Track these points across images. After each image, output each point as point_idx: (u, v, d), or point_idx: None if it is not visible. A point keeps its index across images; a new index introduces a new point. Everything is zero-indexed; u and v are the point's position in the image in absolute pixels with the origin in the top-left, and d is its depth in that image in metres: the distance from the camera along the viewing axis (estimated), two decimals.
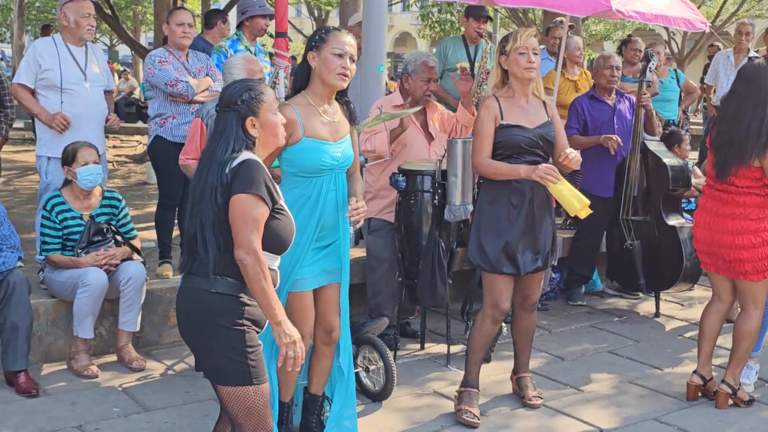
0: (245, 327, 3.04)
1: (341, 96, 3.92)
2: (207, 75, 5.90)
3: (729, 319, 5.11)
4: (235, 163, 3.02)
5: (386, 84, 8.88)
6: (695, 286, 6.78)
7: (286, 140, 3.53)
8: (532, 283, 4.59)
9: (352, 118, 3.97)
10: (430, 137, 5.71)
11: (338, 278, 3.95)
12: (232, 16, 9.10)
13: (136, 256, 5.25)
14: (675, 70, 8.85)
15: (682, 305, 6.76)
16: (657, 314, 6.46)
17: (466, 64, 7.06)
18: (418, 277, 5.08)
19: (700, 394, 4.83)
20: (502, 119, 4.36)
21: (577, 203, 4.16)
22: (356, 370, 4.71)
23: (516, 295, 4.58)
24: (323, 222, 3.81)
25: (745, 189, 4.52)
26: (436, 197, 5.07)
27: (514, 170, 4.30)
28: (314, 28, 23.12)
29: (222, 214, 3.02)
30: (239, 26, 6.63)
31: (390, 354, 4.68)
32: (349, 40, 3.76)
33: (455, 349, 5.46)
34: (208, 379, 3.14)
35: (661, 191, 6.28)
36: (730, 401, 4.73)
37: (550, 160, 4.46)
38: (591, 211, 4.22)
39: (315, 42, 3.79)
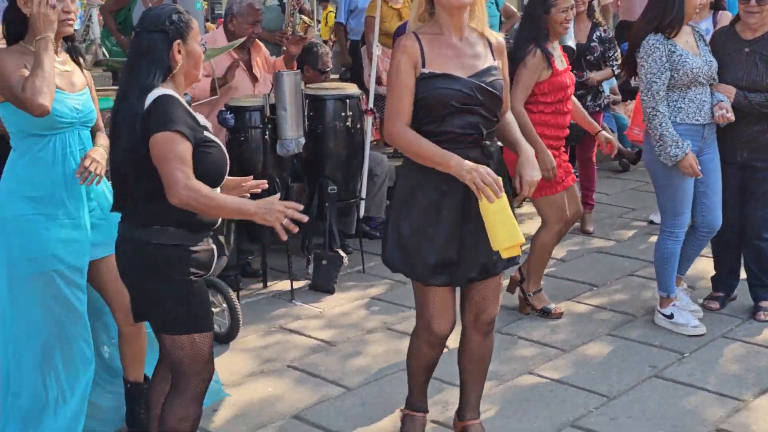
0: (191, 276, 2.87)
1: (67, 42, 3.46)
2: None
3: None
4: (149, 99, 2.76)
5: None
6: (522, 203, 7.06)
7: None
8: (485, 294, 3.31)
9: (79, 63, 3.50)
10: (254, 78, 5.62)
11: (112, 249, 3.29)
12: None
13: None
14: None
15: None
16: None
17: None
18: None
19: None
20: (423, 66, 3.08)
21: (506, 239, 2.96)
22: None
23: (466, 310, 3.38)
24: (74, 187, 3.36)
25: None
26: (267, 132, 5.00)
27: (443, 159, 3.02)
28: None
29: (141, 148, 2.75)
30: None
31: (233, 294, 4.61)
32: None
33: (298, 284, 5.46)
34: (153, 328, 2.99)
35: None
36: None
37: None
38: (518, 253, 3.08)
39: None
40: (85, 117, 3.41)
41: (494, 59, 3.20)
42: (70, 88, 3.37)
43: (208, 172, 2.85)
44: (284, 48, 5.80)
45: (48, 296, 3.38)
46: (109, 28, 6.81)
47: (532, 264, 4.89)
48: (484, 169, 2.97)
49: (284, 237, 2.74)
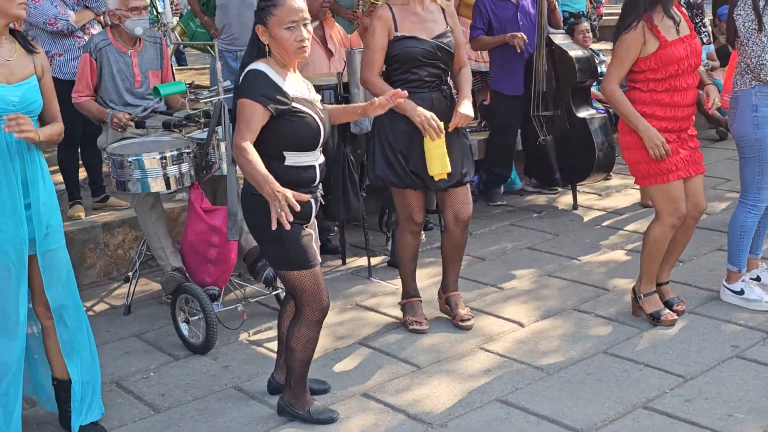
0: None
1: (12, 32, 3.39)
2: (86, 6, 5.63)
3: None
4: (245, 71, 3.34)
5: None
6: (612, 174, 6.89)
7: None
8: (457, 198, 4.36)
9: (30, 49, 3.39)
10: (329, 53, 5.62)
11: (34, 249, 3.40)
12: None
13: None
14: None
15: (600, 195, 6.85)
16: (575, 206, 6.55)
17: None
18: (330, 192, 5.05)
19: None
20: (396, 30, 4.17)
21: (438, 168, 4.10)
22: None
23: (446, 211, 4.42)
24: (11, 181, 3.29)
25: (631, 83, 4.29)
26: None
27: (405, 104, 4.02)
28: None
29: None
30: None
31: (210, 305, 4.30)
32: None
33: (376, 260, 5.48)
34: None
35: (570, 84, 6.29)
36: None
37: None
38: (444, 176, 4.16)
39: None
40: (25, 108, 3.29)
41: (447, 24, 4.25)
42: (8, 78, 3.28)
43: (290, 137, 3.33)
44: (357, 23, 5.78)
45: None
46: (193, 9, 6.95)
47: (643, 259, 4.45)
48: (429, 115, 4.04)
49: (273, 225, 3.10)
